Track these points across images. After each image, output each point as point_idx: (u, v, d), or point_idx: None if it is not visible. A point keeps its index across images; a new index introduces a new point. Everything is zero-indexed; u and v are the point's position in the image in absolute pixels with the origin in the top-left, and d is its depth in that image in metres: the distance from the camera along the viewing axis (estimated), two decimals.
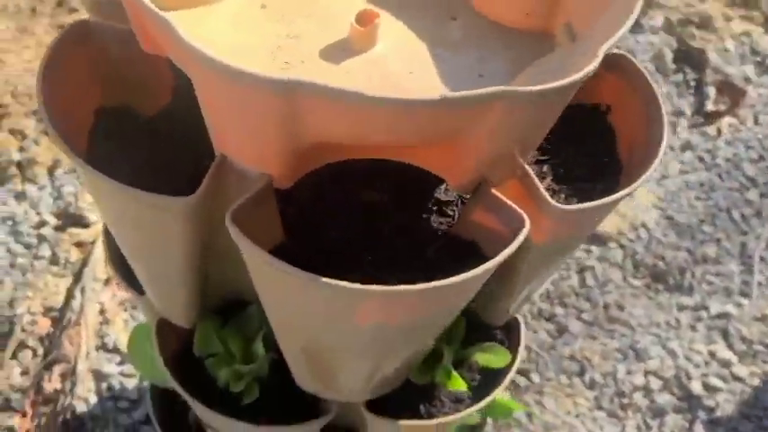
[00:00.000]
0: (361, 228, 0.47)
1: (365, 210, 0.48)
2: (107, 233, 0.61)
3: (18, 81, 1.30)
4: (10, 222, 1.13)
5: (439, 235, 0.47)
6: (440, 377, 0.58)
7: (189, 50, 0.32)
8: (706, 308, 1.09)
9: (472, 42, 0.49)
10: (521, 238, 0.39)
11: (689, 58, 1.30)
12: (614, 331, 1.07)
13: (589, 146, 0.52)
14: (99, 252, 1.09)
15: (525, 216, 0.40)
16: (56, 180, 1.18)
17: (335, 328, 0.43)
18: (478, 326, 0.62)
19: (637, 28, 1.34)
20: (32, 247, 1.10)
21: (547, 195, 0.42)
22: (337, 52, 0.47)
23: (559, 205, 0.41)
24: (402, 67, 0.47)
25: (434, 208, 0.49)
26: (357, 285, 0.36)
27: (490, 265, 0.37)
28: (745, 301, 1.10)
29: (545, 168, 0.51)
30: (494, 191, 0.41)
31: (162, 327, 0.57)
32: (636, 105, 0.51)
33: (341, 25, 0.48)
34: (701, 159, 1.25)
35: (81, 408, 0.96)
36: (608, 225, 1.15)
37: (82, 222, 1.13)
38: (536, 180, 0.42)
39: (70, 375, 0.98)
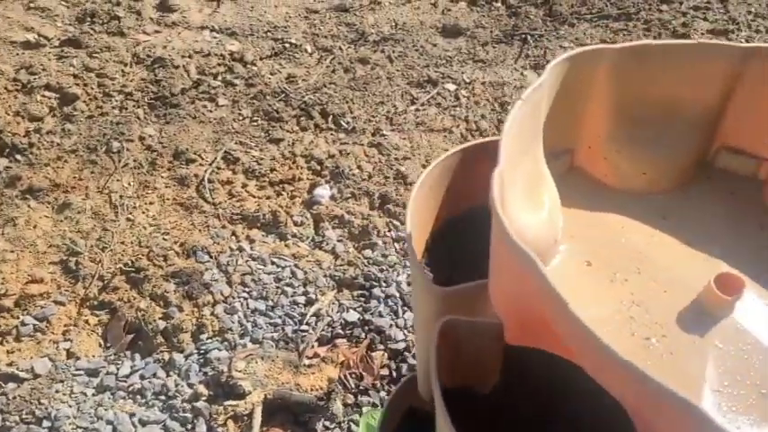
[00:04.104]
0: None
1: None
2: None
3: (151, 242, 1.28)
4: (163, 397, 1.08)
5: None
6: None
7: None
8: None
9: None
10: None
11: None
12: None
13: None
14: (256, 424, 1.02)
15: None
16: (201, 346, 1.13)
17: None
18: None
19: None
20: (188, 423, 1.04)
21: None
22: (692, 321, 0.40)
23: None
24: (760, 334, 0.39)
25: None
26: None
27: None
28: None
29: None
30: None
31: None
32: None
33: (678, 284, 0.42)
34: None
35: None
36: None
37: (235, 393, 1.06)
38: None
39: None
